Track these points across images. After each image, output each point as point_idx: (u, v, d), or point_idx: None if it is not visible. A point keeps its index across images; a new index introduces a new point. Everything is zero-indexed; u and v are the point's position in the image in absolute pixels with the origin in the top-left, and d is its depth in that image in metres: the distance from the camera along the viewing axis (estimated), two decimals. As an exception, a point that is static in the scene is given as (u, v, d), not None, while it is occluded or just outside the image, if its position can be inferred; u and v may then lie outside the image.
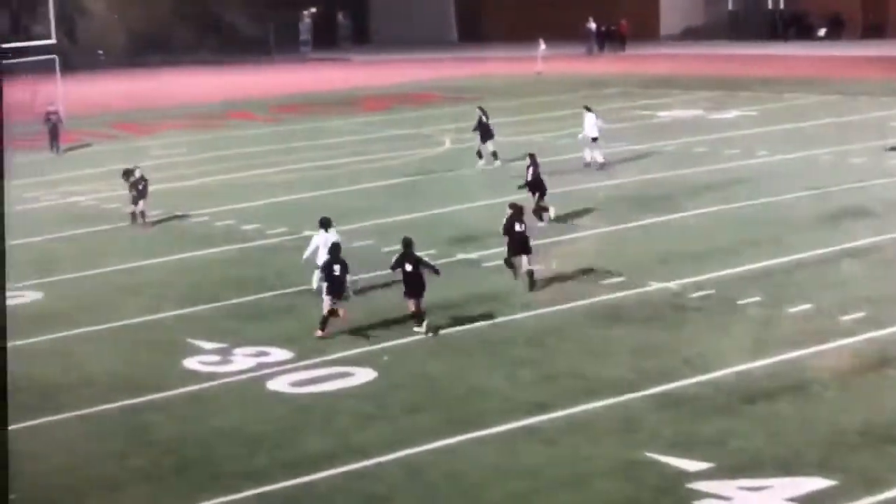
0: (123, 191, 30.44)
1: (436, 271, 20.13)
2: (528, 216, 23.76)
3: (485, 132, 34.95)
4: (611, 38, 74.83)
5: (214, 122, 47.98)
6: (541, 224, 24.85)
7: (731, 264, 23.12)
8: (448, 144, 40.01)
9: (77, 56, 57.78)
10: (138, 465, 15.08)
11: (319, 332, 19.56)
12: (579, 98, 49.84)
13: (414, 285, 19.62)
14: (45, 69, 50.44)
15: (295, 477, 14.46)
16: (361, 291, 21.73)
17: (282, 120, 48.65)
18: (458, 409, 16.43)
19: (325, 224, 21.75)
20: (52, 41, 50.56)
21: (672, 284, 21.94)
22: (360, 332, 19.83)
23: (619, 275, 22.58)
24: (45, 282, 23.81)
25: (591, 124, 33.71)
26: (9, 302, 22.37)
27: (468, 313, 20.70)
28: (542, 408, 16.22)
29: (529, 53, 63.13)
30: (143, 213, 28.74)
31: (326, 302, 19.59)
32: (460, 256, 24.58)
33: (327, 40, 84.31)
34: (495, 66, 66.46)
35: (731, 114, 44.56)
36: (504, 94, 53.34)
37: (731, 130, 40.44)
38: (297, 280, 23.06)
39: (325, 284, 19.65)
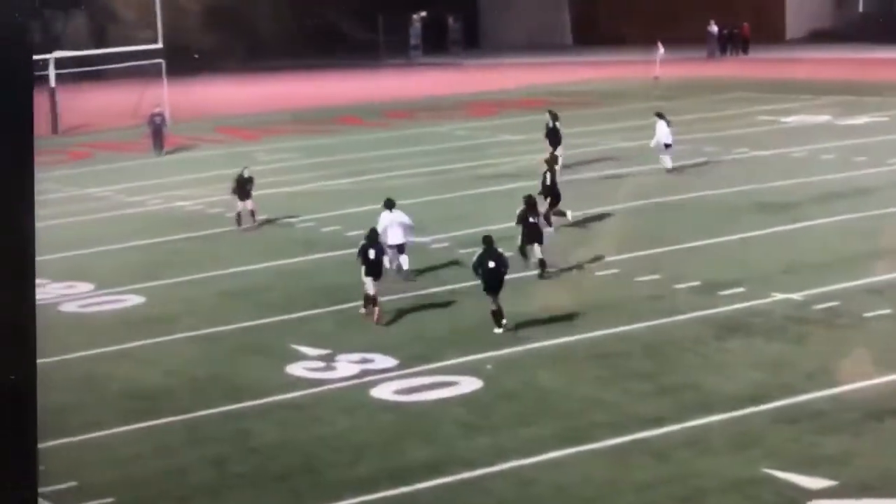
0: (227, 196, 30.95)
1: (506, 268, 20.38)
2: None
3: (554, 138, 34.61)
4: (733, 42, 73.99)
5: (321, 128, 48.50)
6: (548, 230, 24.83)
7: (858, 276, 22.66)
8: (560, 149, 39.74)
9: (179, 60, 58.87)
10: (239, 471, 15.26)
11: (363, 311, 21.18)
12: (699, 103, 49.38)
13: (493, 282, 20.07)
14: (152, 74, 51.61)
15: (398, 486, 14.51)
16: (467, 299, 21.74)
17: (390, 125, 48.98)
18: (568, 422, 16.34)
19: (390, 205, 23.54)
20: (159, 45, 51.67)
21: (795, 296, 21.58)
22: (466, 339, 19.84)
23: (740, 285, 22.28)
24: (147, 286, 24.27)
25: (663, 131, 34.30)
26: (111, 306, 23.03)
27: (581, 323, 20.60)
28: (657, 421, 16.05)
29: (647, 57, 62.63)
30: (252, 213, 29.18)
31: (368, 284, 21.03)
32: (572, 264, 24.45)
33: (437, 45, 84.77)
34: (611, 70, 66.13)
35: (861, 119, 43.71)
36: (619, 99, 53.04)
37: (860, 137, 39.66)
38: (403, 286, 23.19)
39: (363, 267, 21.19)
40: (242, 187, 29.24)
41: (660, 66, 60.84)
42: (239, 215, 29.25)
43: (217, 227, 29.95)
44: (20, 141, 4.53)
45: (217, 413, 17.21)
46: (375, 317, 20.86)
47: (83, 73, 52.69)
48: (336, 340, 20.15)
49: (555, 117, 35.25)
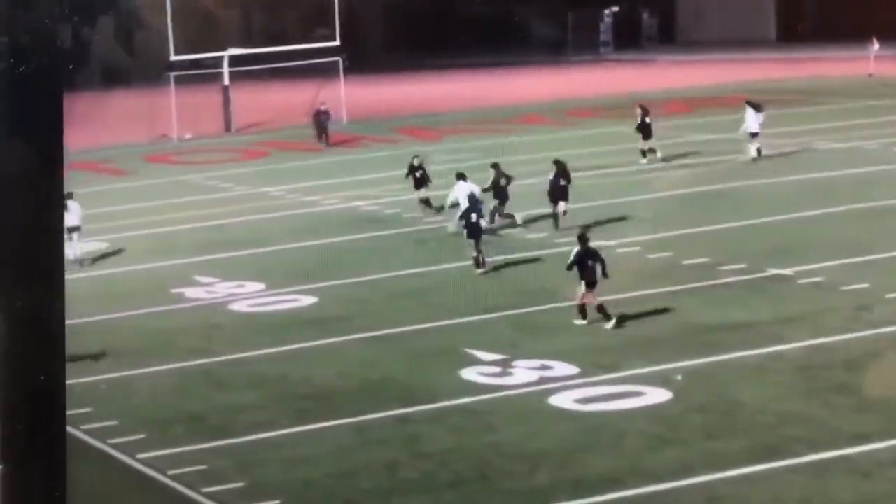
0: (404, 196, 31.38)
1: (604, 270, 21.12)
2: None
3: (645, 131, 37.58)
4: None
5: (503, 127, 48.73)
6: (486, 223, 26.07)
7: None
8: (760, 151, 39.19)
9: (357, 58, 60.25)
10: (410, 476, 15.48)
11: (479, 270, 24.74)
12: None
13: (592, 279, 20.83)
14: (330, 72, 52.67)
15: (577, 498, 14.52)
16: (656, 306, 21.62)
17: (577, 124, 48.92)
18: (762, 436, 16.10)
19: (462, 176, 27.16)
20: (336, 43, 52.69)
21: None
22: (654, 348, 19.74)
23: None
24: (320, 286, 24.78)
25: (752, 119, 36.72)
26: (283, 306, 23.58)
27: (780, 334, 20.30)
28: (861, 438, 15.70)
29: (860, 54, 61.17)
30: (427, 200, 30.59)
31: (471, 246, 24.67)
32: (772, 272, 24.12)
33: (629, 40, 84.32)
34: (820, 67, 64.76)
35: None
36: (829, 97, 51.94)
37: None
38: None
39: (465, 230, 25.16)
40: (413, 174, 30.82)
41: (874, 62, 59.35)
42: (423, 201, 30.73)
43: (393, 227, 30.41)
44: (49, 144, 4.88)
45: (389, 416, 17.48)
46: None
47: (259, 71, 54.02)
48: (513, 345, 20.26)
49: (645, 112, 37.95)
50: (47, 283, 4.94)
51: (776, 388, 17.95)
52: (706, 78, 62.88)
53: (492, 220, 27.70)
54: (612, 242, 26.97)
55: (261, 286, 25.10)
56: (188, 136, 49.39)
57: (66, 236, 25.17)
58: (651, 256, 25.79)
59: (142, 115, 50.35)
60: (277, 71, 54.40)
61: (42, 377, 4.97)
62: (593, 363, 19.23)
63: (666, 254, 25.81)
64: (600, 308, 20.89)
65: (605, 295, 22.74)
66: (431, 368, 19.52)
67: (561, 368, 19.04)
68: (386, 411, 17.62)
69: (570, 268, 21.22)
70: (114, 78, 60.54)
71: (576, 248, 21.49)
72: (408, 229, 30.07)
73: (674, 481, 14.78)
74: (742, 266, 24.50)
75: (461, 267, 26.08)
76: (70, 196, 25.83)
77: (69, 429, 15.94)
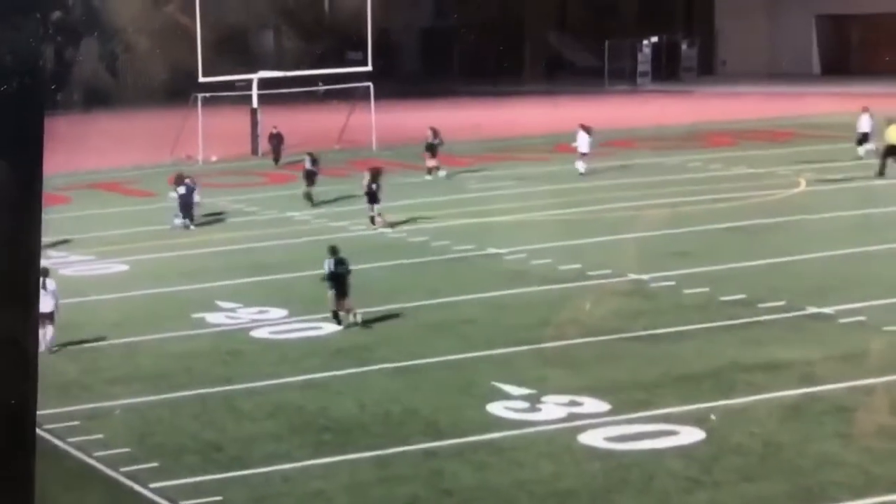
0: (432, 224, 31.20)
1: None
2: None
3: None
4: None
5: (538, 156, 48.60)
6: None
7: None
8: (803, 186, 38.98)
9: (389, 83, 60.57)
10: (432, 513, 15.22)
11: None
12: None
13: (343, 288, 23.33)
14: (361, 96, 52.68)
15: (605, 540, 14.23)
16: (692, 342, 21.34)
17: (612, 154, 48.71)
18: (800, 480, 15.79)
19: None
20: (369, 68, 52.72)
21: None
22: (689, 386, 19.47)
23: None
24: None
25: (865, 122, 42.17)
26: (305, 333, 23.39)
27: (819, 374, 19.99)
28: (902, 485, 15.37)
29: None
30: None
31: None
32: (812, 310, 23.82)
33: (668, 71, 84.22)
34: (865, 101, 64.21)
35: None
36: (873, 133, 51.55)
37: None
38: (622, 325, 22.96)
39: None
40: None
41: (920, 97, 59.12)
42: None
43: (420, 255, 30.24)
44: (30, 164, 4.86)
45: (411, 451, 17.23)
46: None
47: (287, 95, 54.14)
48: (543, 380, 19.99)
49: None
50: (22, 306, 4.84)
51: (815, 430, 17.63)
52: (747, 111, 62.62)
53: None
54: (645, 276, 26.77)
55: (283, 313, 24.93)
56: (214, 158, 49.42)
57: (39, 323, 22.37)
58: (687, 292, 25.51)
59: (168, 135, 50.45)
60: (307, 95, 54.48)
61: (13, 401, 4.83)
62: (625, 400, 18.96)
63: (702, 289, 25.54)
64: (351, 312, 23.29)
65: (640, 331, 22.55)
66: (457, 402, 19.26)
67: (591, 405, 18.76)
68: (408, 445, 17.37)
69: (324, 279, 23.48)
70: (143, 97, 61.01)
71: (327, 260, 23.54)
72: (435, 258, 29.90)
73: (706, 525, 14.49)
74: (781, 303, 24.22)
75: (490, 297, 25.87)
76: (46, 273, 22.14)
77: (80, 454, 15.65)
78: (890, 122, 40.21)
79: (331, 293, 23.54)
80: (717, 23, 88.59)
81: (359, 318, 23.47)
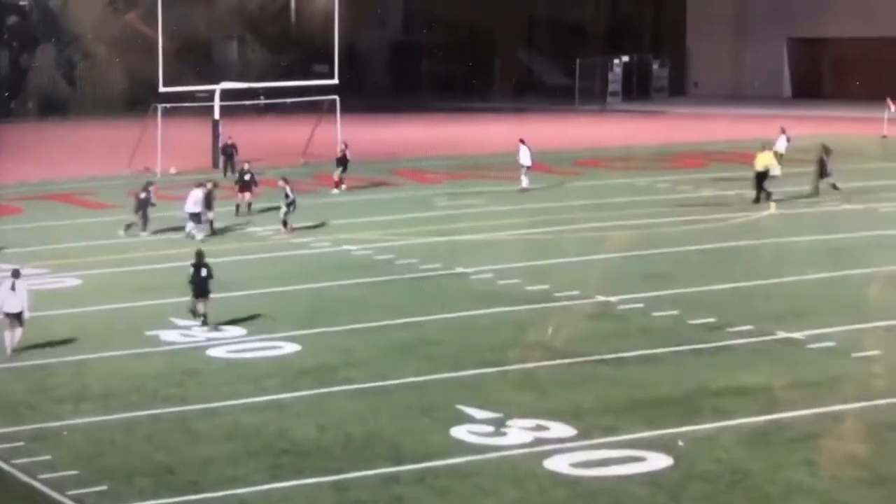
0: (397, 241, 30.98)
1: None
2: None
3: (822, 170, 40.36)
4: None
5: (507, 174, 48.48)
6: None
7: None
8: (773, 209, 39.02)
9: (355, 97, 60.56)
10: (392, 541, 15.00)
11: None
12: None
13: (203, 290, 24.58)
14: (326, 110, 52.46)
15: (569, 570, 14.04)
16: (660, 366, 21.22)
17: (583, 174, 48.74)
18: (768, 509, 15.66)
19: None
20: (335, 81, 52.55)
21: None
22: (656, 410, 19.35)
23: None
24: (304, 333, 24.32)
25: (524, 154, 42.66)
26: (264, 353, 23.12)
27: (788, 400, 19.94)
28: (873, 515, 15.28)
29: (875, 115, 61.30)
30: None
31: None
32: (781, 335, 23.78)
33: (639, 91, 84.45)
34: (833, 126, 64.77)
35: None
36: (841, 158, 51.73)
37: None
38: (589, 348, 22.82)
39: None
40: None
41: (888, 124, 59.51)
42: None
43: (385, 274, 30.02)
44: None
45: (372, 475, 16.98)
46: None
47: (250, 107, 53.93)
48: (508, 404, 19.80)
49: (826, 151, 40.82)
50: None
51: (783, 457, 17.54)
52: (718, 132, 62.82)
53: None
54: (613, 299, 26.66)
55: (242, 331, 24.64)
56: (173, 170, 49.03)
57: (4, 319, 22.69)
58: (655, 314, 25.41)
59: (126, 146, 50.06)
60: (271, 108, 54.26)
61: None
62: (591, 425, 18.79)
63: (671, 312, 25.46)
64: (204, 317, 24.57)
65: (607, 353, 22.41)
66: (420, 425, 19.03)
67: (557, 429, 18.58)
68: (369, 470, 17.12)
69: (190, 281, 24.67)
70: (101, 106, 60.63)
71: (192, 265, 24.76)
72: (400, 276, 29.68)
73: (673, 555, 14.33)
74: (750, 328, 24.16)
75: (456, 318, 25.67)
76: (17, 275, 22.87)
77: (24, 477, 15.31)
78: (764, 146, 40.44)
79: (192, 294, 24.88)
80: (689, 44, 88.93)
81: (207, 320, 24.66)
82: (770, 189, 39.60)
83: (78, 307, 27.10)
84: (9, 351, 22.67)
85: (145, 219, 35.52)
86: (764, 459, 17.44)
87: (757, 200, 39.30)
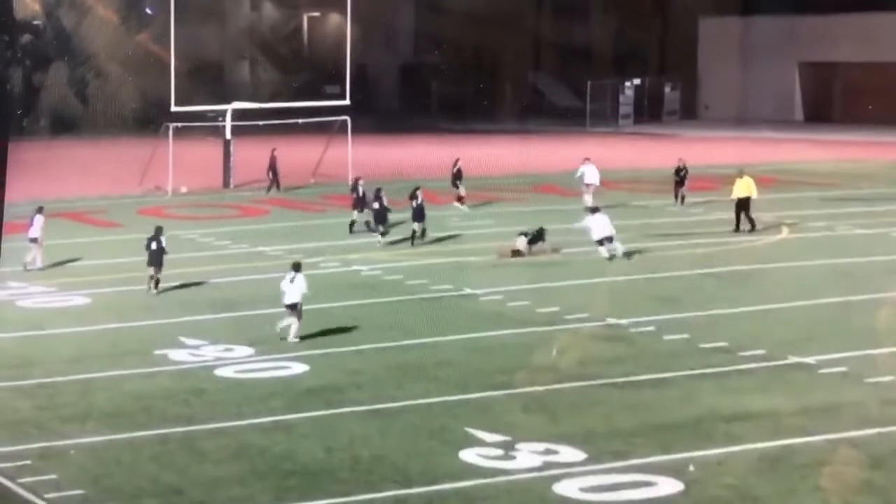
0: (407, 262, 30.84)
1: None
2: None
3: None
4: None
5: (517, 195, 48.45)
6: None
7: None
8: (786, 233, 38.88)
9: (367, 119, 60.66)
10: (399, 564, 14.86)
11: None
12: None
13: (157, 259, 29.38)
14: (338, 131, 52.45)
15: None
16: (672, 390, 21.08)
17: (594, 196, 48.46)
18: (781, 536, 15.50)
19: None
20: (346, 102, 52.55)
21: None
22: (667, 435, 19.20)
23: None
24: (313, 353, 24.24)
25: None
26: (272, 373, 23.00)
27: (800, 426, 19.81)
28: (887, 543, 15.10)
29: (888, 139, 61.17)
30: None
31: None
32: (793, 360, 23.64)
33: (651, 113, 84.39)
34: (848, 150, 64.71)
35: None
36: (856, 182, 51.64)
37: None
38: (599, 371, 22.71)
39: None
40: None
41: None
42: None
43: (394, 294, 29.91)
44: None
45: (379, 498, 16.90)
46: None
47: (264, 127, 53.90)
48: (518, 427, 19.69)
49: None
50: None
51: (794, 483, 17.45)
52: (729, 156, 62.60)
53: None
54: (624, 321, 26.53)
55: (250, 351, 24.54)
56: (184, 190, 49.02)
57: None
58: (666, 338, 25.28)
59: (137, 165, 50.06)
60: (283, 128, 54.23)
61: None
62: (602, 449, 18.68)
63: (682, 335, 25.34)
64: (157, 283, 29.29)
65: (617, 377, 22.27)
66: (428, 448, 18.92)
67: (567, 453, 18.45)
68: (376, 493, 17.03)
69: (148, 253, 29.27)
70: (113, 125, 60.64)
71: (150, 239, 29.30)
72: (410, 297, 29.57)
73: (684, 582, 14.18)
74: (762, 352, 24.03)
75: (465, 339, 25.56)
76: (297, 268, 25.65)
77: (30, 496, 15.20)
78: (742, 173, 39.71)
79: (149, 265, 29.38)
80: (700, 67, 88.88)
81: (157, 288, 29.40)
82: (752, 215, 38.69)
83: (85, 326, 27.02)
84: (290, 338, 24.89)
85: (380, 220, 36.53)
86: (775, 485, 17.33)
87: (737, 229, 38.42)
